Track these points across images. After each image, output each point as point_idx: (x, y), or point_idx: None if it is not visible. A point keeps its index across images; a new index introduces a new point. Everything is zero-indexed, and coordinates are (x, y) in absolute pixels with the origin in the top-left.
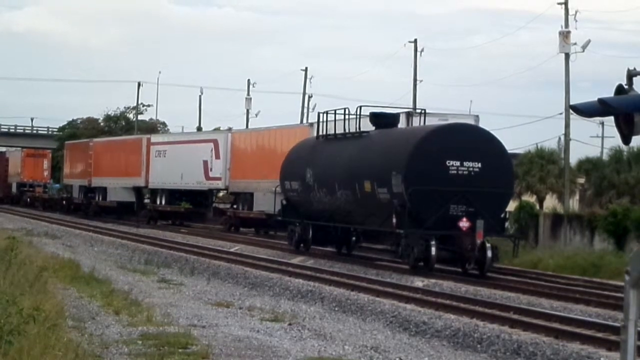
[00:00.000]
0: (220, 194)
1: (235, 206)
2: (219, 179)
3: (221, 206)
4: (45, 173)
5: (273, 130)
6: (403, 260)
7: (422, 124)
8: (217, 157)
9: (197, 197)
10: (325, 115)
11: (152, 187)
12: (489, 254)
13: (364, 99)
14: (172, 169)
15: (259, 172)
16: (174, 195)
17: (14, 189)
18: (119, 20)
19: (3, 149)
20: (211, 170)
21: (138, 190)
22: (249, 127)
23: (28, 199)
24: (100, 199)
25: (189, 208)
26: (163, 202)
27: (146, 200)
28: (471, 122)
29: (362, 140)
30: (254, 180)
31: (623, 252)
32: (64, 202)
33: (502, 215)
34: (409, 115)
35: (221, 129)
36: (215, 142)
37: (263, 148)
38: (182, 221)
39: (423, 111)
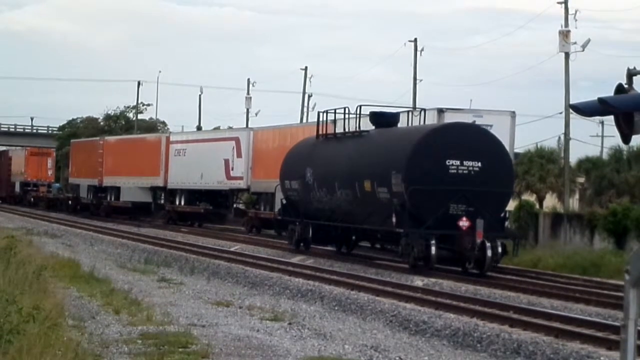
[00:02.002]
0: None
1: (257, 207)
2: (240, 178)
3: (242, 207)
4: (49, 172)
5: (295, 127)
6: (403, 260)
7: (452, 120)
8: (239, 155)
9: (218, 198)
10: (325, 114)
11: (171, 187)
12: (489, 253)
13: (363, 98)
14: (191, 168)
15: None
16: (193, 195)
17: (17, 188)
18: (119, 19)
19: (3, 148)
20: (232, 169)
21: (153, 191)
22: (249, 126)
23: (32, 199)
24: (113, 198)
25: (209, 209)
26: (182, 202)
27: (160, 201)
28: (507, 118)
29: (362, 139)
30: (276, 180)
31: (623, 251)
32: (70, 201)
33: (502, 215)
34: (440, 112)
35: (221, 128)
36: (237, 140)
37: (285, 146)
38: (202, 222)
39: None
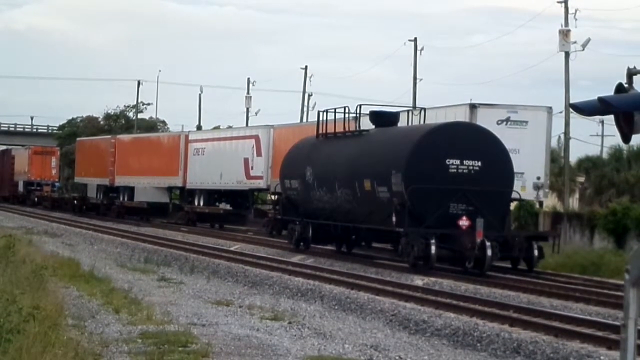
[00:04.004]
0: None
1: (277, 207)
2: (260, 177)
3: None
4: (54, 171)
5: (315, 125)
6: (403, 259)
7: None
8: (259, 154)
9: (237, 198)
10: (325, 114)
11: (190, 188)
12: (489, 252)
13: (363, 98)
14: (211, 167)
15: None
16: (212, 195)
17: (20, 187)
18: (119, 18)
19: (2, 147)
20: (252, 168)
21: (169, 191)
22: (249, 124)
23: (36, 198)
24: (126, 199)
25: (229, 210)
26: (201, 203)
27: (175, 201)
28: (544, 114)
29: (362, 138)
30: None
31: (623, 250)
32: (75, 201)
33: (502, 214)
34: (472, 107)
35: (221, 127)
36: (256, 138)
37: None
38: (221, 223)
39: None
